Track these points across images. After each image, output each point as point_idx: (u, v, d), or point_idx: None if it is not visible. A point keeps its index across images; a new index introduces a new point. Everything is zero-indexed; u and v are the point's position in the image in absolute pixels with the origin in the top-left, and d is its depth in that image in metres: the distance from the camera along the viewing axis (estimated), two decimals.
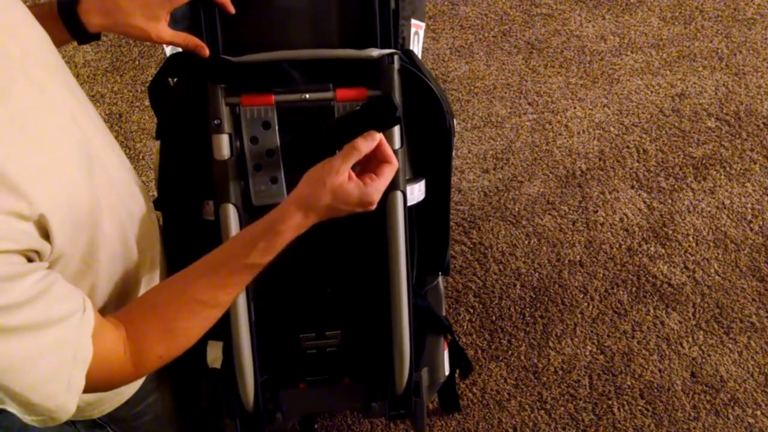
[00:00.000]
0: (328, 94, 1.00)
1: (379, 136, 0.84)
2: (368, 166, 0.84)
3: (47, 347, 0.64)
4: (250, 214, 1.03)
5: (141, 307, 0.78)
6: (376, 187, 0.82)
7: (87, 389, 0.68)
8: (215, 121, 0.99)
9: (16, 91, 0.65)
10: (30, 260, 0.63)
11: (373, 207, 0.84)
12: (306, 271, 1.13)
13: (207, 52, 0.96)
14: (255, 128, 1.00)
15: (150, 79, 1.10)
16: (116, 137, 2.11)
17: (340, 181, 0.80)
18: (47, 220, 0.63)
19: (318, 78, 1.00)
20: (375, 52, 0.99)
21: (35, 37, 0.74)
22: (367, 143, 0.82)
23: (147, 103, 2.21)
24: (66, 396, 0.66)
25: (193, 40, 0.95)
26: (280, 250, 0.80)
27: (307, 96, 0.99)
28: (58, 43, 0.89)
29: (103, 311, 0.80)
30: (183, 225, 1.06)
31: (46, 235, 0.64)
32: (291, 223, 0.79)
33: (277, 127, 1.00)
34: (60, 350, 0.65)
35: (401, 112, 0.99)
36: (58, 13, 0.86)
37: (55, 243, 0.65)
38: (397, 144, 1.01)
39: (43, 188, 0.63)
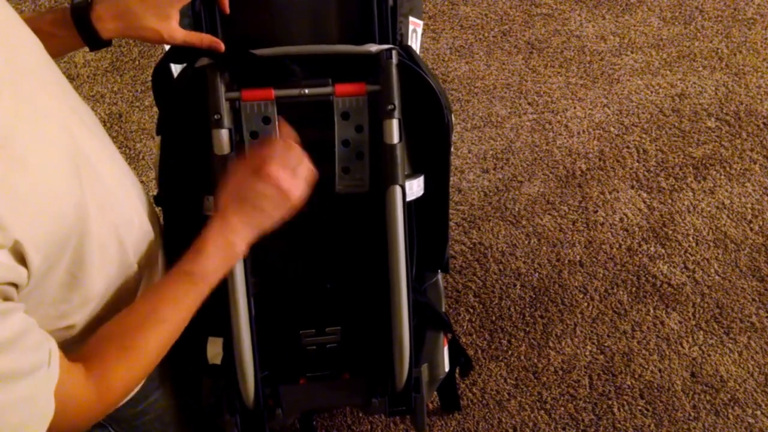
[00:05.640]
0: (327, 89, 1.00)
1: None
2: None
3: (11, 402, 0.60)
4: None
5: (99, 334, 0.77)
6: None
7: None
8: (215, 116, 0.99)
9: None
10: (6, 298, 0.60)
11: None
12: (306, 267, 1.13)
13: (222, 47, 0.96)
14: (255, 123, 1.01)
15: (150, 79, 1.10)
16: (116, 137, 2.13)
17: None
18: (23, 245, 0.60)
19: (317, 73, 1.00)
20: (373, 48, 1.00)
21: (24, 43, 0.71)
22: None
23: (147, 103, 2.22)
24: None
25: (207, 38, 0.95)
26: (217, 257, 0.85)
27: (306, 91, 1.00)
28: (70, 49, 0.89)
29: (101, 320, 0.80)
30: (183, 220, 1.06)
31: (22, 260, 0.61)
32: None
33: (277, 122, 1.01)
34: (24, 406, 0.61)
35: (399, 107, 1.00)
36: (72, 20, 0.85)
37: (32, 268, 0.62)
38: (396, 139, 1.01)
39: (19, 210, 0.60)
